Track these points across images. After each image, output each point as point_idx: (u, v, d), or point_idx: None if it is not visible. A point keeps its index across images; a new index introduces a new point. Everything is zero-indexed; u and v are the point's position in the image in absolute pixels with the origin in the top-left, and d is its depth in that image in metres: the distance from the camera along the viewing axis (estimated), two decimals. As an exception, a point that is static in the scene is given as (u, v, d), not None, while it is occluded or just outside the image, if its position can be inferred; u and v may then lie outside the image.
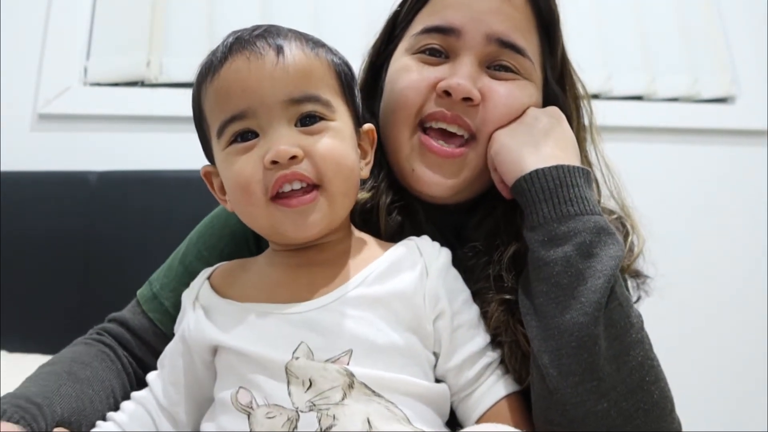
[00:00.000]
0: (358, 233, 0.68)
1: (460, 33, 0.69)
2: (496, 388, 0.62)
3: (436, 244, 0.66)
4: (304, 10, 1.60)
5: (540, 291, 0.60)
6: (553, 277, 0.59)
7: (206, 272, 0.68)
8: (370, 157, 0.69)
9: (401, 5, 0.77)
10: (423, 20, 0.72)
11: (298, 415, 0.54)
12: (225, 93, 0.59)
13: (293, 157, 0.57)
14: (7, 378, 0.66)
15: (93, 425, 0.61)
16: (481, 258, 0.69)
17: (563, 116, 0.71)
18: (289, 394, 0.54)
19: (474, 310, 0.65)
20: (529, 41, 0.70)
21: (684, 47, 1.78)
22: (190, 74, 0.65)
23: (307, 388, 0.54)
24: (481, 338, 0.64)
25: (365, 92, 0.75)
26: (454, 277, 0.66)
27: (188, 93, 0.66)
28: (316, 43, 0.63)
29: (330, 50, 0.65)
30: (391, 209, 0.71)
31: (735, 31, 1.83)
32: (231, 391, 0.57)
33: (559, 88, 0.75)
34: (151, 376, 0.65)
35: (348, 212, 0.65)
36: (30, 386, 0.60)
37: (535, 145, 0.66)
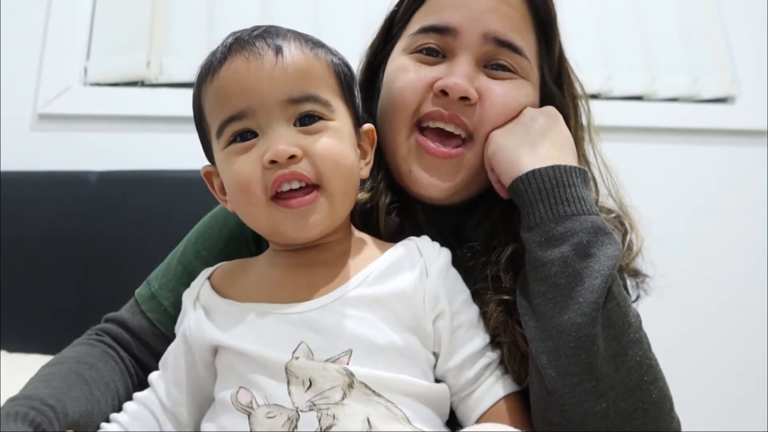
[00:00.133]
0: (358, 233, 0.68)
1: (456, 32, 0.69)
2: (495, 388, 0.62)
3: (436, 245, 0.66)
4: (304, 10, 1.61)
5: (538, 291, 0.60)
6: (551, 277, 0.59)
7: (207, 272, 0.68)
8: (370, 157, 0.69)
9: (398, 5, 0.77)
10: (420, 20, 0.72)
11: (298, 415, 0.54)
12: (224, 93, 0.59)
13: (292, 157, 0.57)
14: (7, 378, 0.66)
15: (99, 427, 0.61)
16: (479, 258, 0.69)
17: (560, 116, 0.71)
18: (289, 393, 0.55)
19: (474, 310, 0.65)
20: (526, 40, 0.70)
21: (684, 47, 1.78)
22: (190, 74, 0.65)
23: (307, 388, 0.54)
24: (481, 338, 0.64)
25: (363, 92, 0.75)
26: (454, 277, 0.66)
27: (188, 93, 0.66)
28: (315, 44, 0.63)
29: (329, 50, 0.65)
30: (390, 210, 0.71)
31: (735, 31, 1.82)
32: (231, 391, 0.57)
33: (557, 87, 0.75)
34: (153, 377, 0.65)
35: (348, 212, 0.65)
36: (41, 387, 0.60)
37: (531, 145, 0.66)
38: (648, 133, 1.73)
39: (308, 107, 0.59)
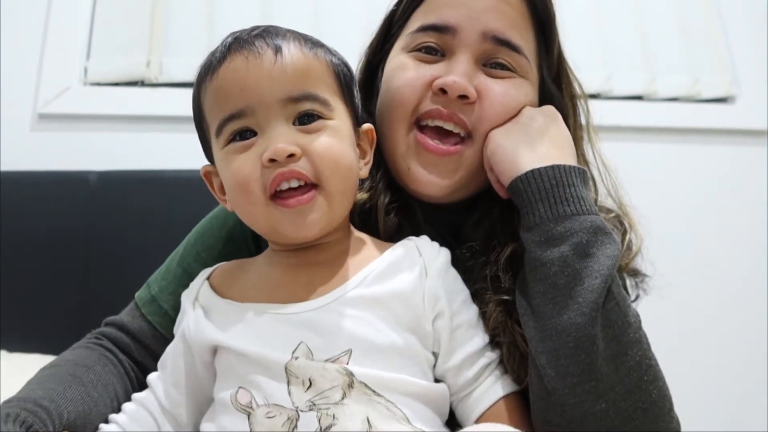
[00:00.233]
0: (357, 233, 0.68)
1: (456, 31, 0.69)
2: (495, 388, 0.62)
3: (436, 244, 0.66)
4: (304, 10, 1.61)
5: (537, 291, 0.60)
6: (550, 277, 0.59)
7: (206, 272, 0.68)
8: (370, 157, 0.69)
9: (397, 4, 0.77)
10: (419, 19, 0.72)
11: (298, 415, 0.54)
12: (223, 92, 0.59)
13: (291, 155, 0.57)
14: (7, 378, 0.66)
15: (97, 428, 0.61)
16: (478, 258, 0.69)
17: (559, 115, 0.71)
18: (289, 393, 0.55)
19: (473, 310, 0.65)
20: (525, 39, 0.70)
21: (684, 47, 1.78)
22: (190, 74, 0.65)
23: (307, 388, 0.54)
24: (480, 338, 0.64)
25: (362, 92, 0.75)
26: (453, 277, 0.66)
27: (188, 93, 0.66)
28: (314, 44, 0.63)
29: (329, 50, 0.65)
30: (389, 209, 0.71)
31: (735, 31, 1.82)
32: (231, 391, 0.57)
33: (556, 87, 0.75)
34: (152, 378, 0.65)
35: (347, 212, 0.65)
36: (36, 389, 0.60)
37: (530, 144, 0.66)
38: (648, 133, 1.73)
39: (307, 106, 0.59)
